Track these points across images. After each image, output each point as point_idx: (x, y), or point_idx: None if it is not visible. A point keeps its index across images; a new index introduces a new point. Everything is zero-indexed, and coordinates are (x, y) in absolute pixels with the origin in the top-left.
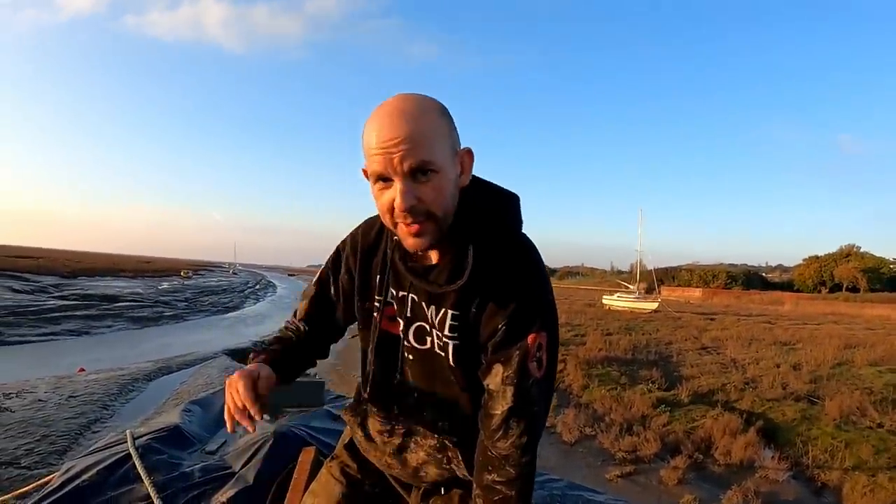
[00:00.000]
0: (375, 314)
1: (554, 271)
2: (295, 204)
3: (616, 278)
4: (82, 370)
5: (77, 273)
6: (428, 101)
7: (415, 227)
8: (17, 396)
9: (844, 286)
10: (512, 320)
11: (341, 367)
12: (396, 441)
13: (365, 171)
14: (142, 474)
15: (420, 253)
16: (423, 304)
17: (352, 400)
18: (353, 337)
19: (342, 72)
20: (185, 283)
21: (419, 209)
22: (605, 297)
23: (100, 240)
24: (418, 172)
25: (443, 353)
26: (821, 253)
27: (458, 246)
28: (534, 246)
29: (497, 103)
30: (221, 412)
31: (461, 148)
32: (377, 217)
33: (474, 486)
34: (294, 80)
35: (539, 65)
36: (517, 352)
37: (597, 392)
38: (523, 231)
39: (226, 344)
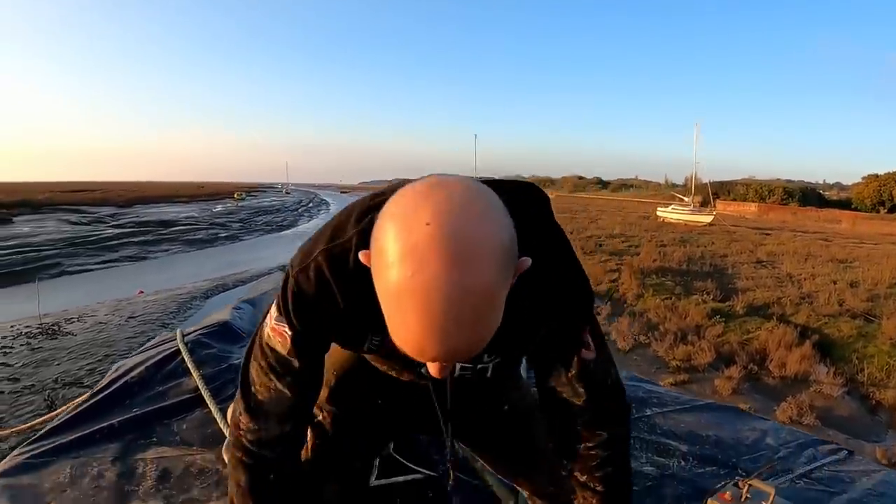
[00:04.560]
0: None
1: (607, 183)
2: (345, 120)
3: (670, 191)
4: (141, 292)
5: (132, 202)
6: (490, 274)
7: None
8: (78, 321)
9: None
10: (566, 330)
11: None
12: None
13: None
14: (190, 367)
15: None
16: None
17: None
18: None
19: None
20: (239, 204)
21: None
22: (659, 209)
23: (153, 170)
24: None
25: (476, 377)
26: (881, 172)
27: None
28: (565, 240)
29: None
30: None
31: (516, 264)
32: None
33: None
34: None
35: None
36: (573, 352)
37: (651, 301)
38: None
39: (281, 260)
